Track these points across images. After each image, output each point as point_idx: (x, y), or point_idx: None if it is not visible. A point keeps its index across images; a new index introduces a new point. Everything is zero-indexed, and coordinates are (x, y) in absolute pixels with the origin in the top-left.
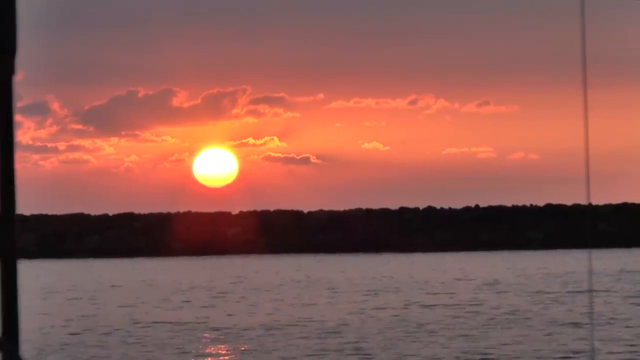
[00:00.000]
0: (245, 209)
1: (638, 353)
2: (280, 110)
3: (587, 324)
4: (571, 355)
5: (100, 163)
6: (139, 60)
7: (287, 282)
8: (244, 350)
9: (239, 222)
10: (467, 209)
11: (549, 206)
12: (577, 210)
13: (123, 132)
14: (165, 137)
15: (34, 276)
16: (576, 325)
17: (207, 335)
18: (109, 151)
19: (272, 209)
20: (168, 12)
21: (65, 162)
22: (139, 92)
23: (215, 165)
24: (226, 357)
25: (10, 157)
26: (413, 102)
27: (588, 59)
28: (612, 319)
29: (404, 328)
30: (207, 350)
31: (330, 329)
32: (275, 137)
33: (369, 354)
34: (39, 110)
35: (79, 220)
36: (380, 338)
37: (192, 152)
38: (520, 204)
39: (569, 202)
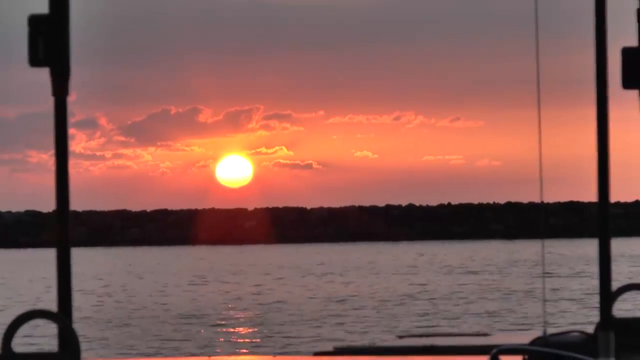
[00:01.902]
0: (258, 206)
1: (583, 321)
2: (288, 125)
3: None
4: (527, 324)
5: (140, 168)
6: (171, 83)
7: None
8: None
9: (253, 216)
10: (441, 205)
11: (508, 203)
12: (532, 207)
13: (158, 143)
14: (193, 147)
15: (85, 261)
16: (531, 299)
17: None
18: (147, 158)
19: (280, 205)
20: (196, 44)
21: (111, 167)
22: (172, 110)
23: (234, 170)
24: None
25: (65, 164)
26: (397, 118)
27: (542, 81)
28: (562, 295)
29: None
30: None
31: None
32: (283, 147)
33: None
34: (89, 125)
35: (122, 215)
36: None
37: (215, 159)
38: (485, 201)
39: (525, 200)
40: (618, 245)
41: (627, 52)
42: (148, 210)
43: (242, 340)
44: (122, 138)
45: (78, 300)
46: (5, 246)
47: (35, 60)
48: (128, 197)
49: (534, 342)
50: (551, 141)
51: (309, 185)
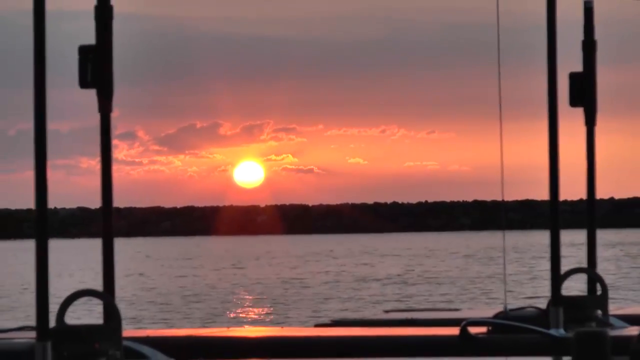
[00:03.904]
0: (269, 204)
1: (538, 300)
2: (293, 137)
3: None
4: (489, 301)
5: (172, 173)
6: (197, 102)
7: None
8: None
9: (265, 212)
10: (419, 203)
11: (475, 201)
12: (495, 204)
13: (187, 151)
14: (215, 154)
15: (125, 249)
16: (493, 281)
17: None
18: (177, 164)
19: (287, 203)
20: (217, 70)
21: (148, 171)
22: (197, 124)
23: (249, 174)
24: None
25: (109, 169)
26: (383, 131)
27: (503, 100)
28: (519, 279)
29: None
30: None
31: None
32: (290, 155)
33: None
34: (129, 137)
35: (157, 211)
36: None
37: (233, 165)
38: (455, 200)
39: (489, 199)
40: (565, 236)
41: (573, 76)
42: (178, 206)
43: (256, 314)
44: (156, 147)
45: (120, 281)
46: (60, 236)
47: (84, 83)
48: (161, 196)
49: (496, 316)
50: (511, 149)
51: (310, 186)
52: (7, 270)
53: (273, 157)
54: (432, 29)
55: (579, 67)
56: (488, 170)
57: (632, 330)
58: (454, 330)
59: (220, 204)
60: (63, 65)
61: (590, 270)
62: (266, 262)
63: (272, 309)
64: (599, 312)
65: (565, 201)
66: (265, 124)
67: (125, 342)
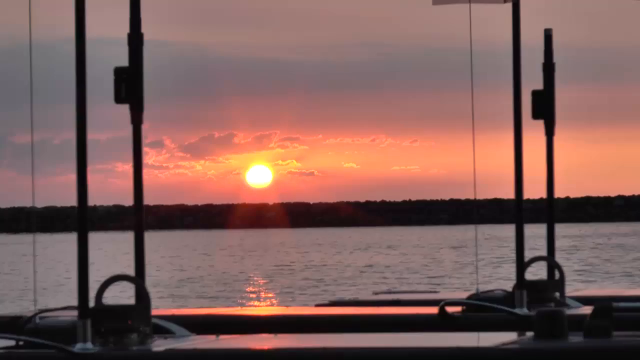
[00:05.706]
0: (276, 202)
1: (507, 283)
2: (297, 145)
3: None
4: (462, 285)
5: (193, 175)
6: (215, 115)
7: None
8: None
9: (273, 209)
10: (404, 201)
11: (451, 199)
12: (468, 202)
13: (206, 157)
14: (230, 160)
15: (152, 240)
16: (465, 269)
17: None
18: (199, 168)
19: (292, 201)
20: (232, 88)
21: (173, 174)
22: (215, 134)
23: (259, 176)
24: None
25: (140, 172)
26: (373, 140)
27: (476, 113)
28: (491, 263)
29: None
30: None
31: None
32: (294, 160)
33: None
34: (158, 145)
35: (180, 208)
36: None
37: (245, 169)
38: (434, 198)
39: (463, 197)
40: (528, 229)
41: (535, 94)
42: (199, 204)
43: (264, 295)
44: (181, 154)
45: (150, 268)
46: (99, 230)
47: (118, 98)
48: (184, 195)
49: (470, 297)
50: (482, 156)
51: (312, 187)
52: (54, 258)
53: (280, 162)
54: (415, 52)
55: (540, 86)
56: (462, 173)
57: (586, 310)
58: (434, 310)
59: (235, 202)
60: (101, 84)
61: (550, 258)
62: (275, 252)
63: (277, 290)
64: (557, 294)
65: (528, 199)
66: (273, 134)
67: (154, 320)
